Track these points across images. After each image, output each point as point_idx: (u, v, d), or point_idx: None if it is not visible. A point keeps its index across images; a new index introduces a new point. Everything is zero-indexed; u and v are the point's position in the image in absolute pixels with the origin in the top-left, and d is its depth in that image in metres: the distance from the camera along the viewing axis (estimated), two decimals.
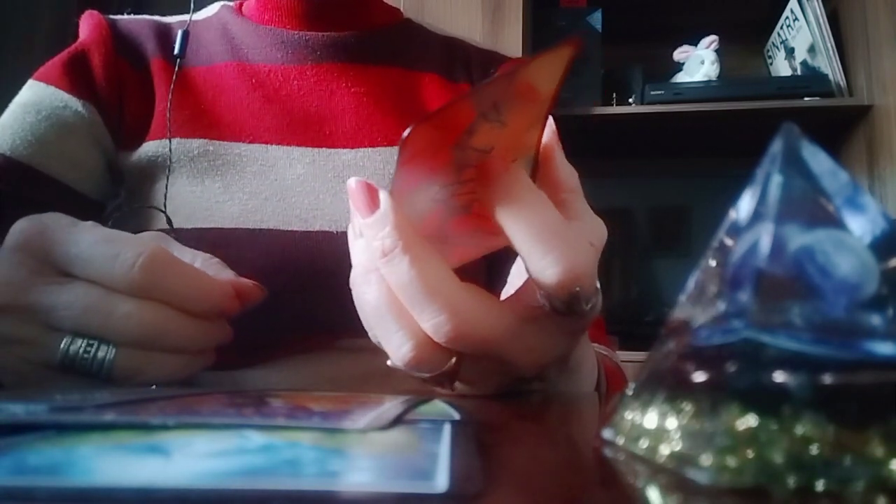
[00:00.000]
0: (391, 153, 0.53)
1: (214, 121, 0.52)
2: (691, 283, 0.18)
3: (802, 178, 0.16)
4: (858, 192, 0.16)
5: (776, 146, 0.16)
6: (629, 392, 0.18)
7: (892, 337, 0.14)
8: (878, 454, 0.13)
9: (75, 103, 0.51)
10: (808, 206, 0.16)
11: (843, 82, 1.45)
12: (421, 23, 0.64)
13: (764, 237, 0.15)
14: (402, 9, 0.66)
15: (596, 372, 0.39)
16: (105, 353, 0.29)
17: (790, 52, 1.57)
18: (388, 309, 0.27)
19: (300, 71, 0.55)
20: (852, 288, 0.15)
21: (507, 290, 0.34)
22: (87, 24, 0.56)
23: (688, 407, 0.15)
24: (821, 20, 1.45)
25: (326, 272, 0.48)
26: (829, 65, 1.45)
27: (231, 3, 0.61)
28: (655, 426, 0.16)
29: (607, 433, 0.18)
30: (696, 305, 0.17)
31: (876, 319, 0.14)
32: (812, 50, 1.49)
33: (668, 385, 0.16)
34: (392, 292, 0.26)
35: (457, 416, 0.21)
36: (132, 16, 0.59)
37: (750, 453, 0.13)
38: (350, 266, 0.29)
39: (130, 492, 0.12)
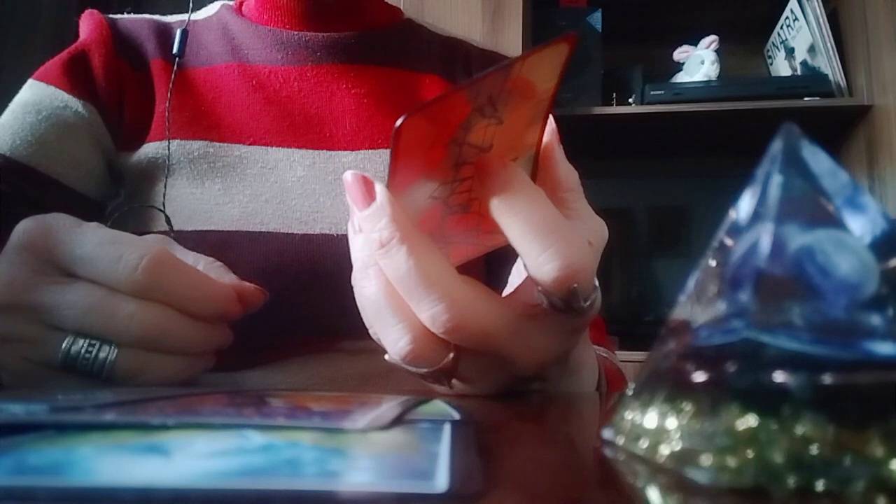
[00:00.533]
0: None
1: (215, 122, 0.52)
2: (691, 283, 0.18)
3: (802, 178, 0.16)
4: (858, 192, 0.16)
5: (776, 146, 0.16)
6: (629, 392, 0.18)
7: (892, 337, 0.14)
8: (878, 454, 0.13)
9: (75, 103, 0.51)
10: (808, 206, 0.16)
11: (843, 82, 1.45)
12: (422, 22, 0.64)
13: (764, 237, 0.15)
14: (402, 9, 0.65)
15: (597, 373, 0.39)
16: (107, 353, 0.29)
17: (790, 52, 1.57)
18: (387, 302, 0.27)
19: (300, 72, 0.55)
20: (852, 288, 0.15)
21: (507, 291, 0.34)
22: (88, 24, 0.56)
23: (688, 407, 0.15)
24: (821, 20, 1.45)
25: (326, 275, 0.48)
26: (829, 65, 1.45)
27: (231, 3, 0.61)
28: (655, 426, 0.16)
29: (607, 433, 0.18)
30: (696, 305, 0.17)
31: (876, 319, 0.14)
32: (812, 50, 1.49)
33: (668, 385, 0.16)
34: (390, 286, 0.26)
35: (457, 416, 0.21)
36: (132, 15, 0.59)
37: (750, 453, 0.13)
38: (350, 268, 0.29)
39: (130, 492, 0.12)
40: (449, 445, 0.16)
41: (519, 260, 0.27)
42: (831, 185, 0.16)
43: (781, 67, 1.62)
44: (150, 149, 0.51)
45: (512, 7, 1.44)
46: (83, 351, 0.29)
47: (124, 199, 0.53)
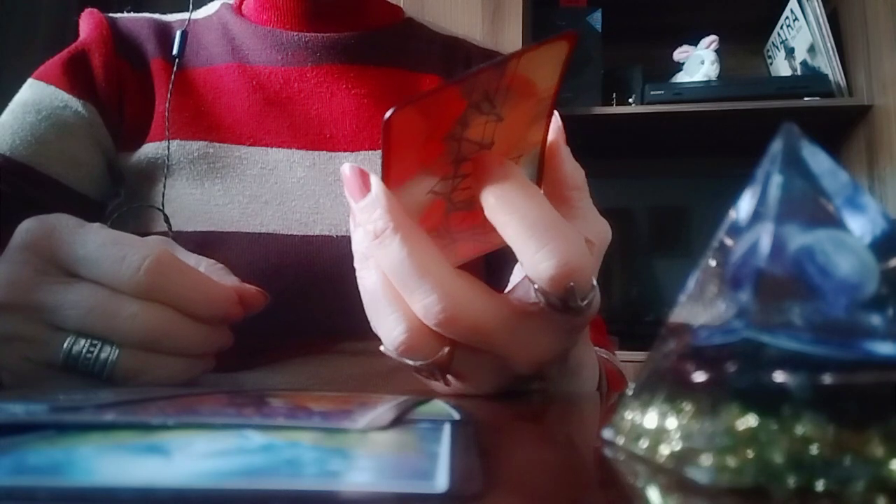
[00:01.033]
0: None
1: (215, 123, 0.52)
2: (691, 283, 0.18)
3: (802, 178, 0.16)
4: (858, 192, 0.16)
5: (776, 146, 0.16)
6: (629, 392, 0.18)
7: (892, 337, 0.14)
8: (878, 454, 0.13)
9: (75, 103, 0.51)
10: (808, 206, 0.16)
11: (843, 82, 1.45)
12: (423, 22, 0.64)
13: (764, 237, 0.15)
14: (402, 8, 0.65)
15: (597, 374, 0.39)
16: (108, 353, 0.29)
17: (790, 52, 1.57)
18: (383, 293, 0.27)
19: (300, 73, 0.55)
20: (852, 288, 0.15)
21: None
22: (88, 23, 0.56)
23: (688, 407, 0.15)
24: (821, 20, 1.45)
25: (326, 276, 0.48)
26: (829, 65, 1.45)
27: (231, 2, 0.61)
28: (655, 426, 0.16)
29: (607, 433, 0.18)
30: (696, 305, 0.17)
31: (876, 319, 0.14)
32: (812, 50, 1.49)
33: (668, 385, 0.16)
34: (386, 277, 0.26)
35: (457, 416, 0.21)
36: (132, 14, 0.59)
37: (750, 453, 0.13)
38: (350, 269, 0.29)
39: (130, 492, 0.12)
40: (449, 445, 0.16)
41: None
42: (831, 185, 0.16)
43: (781, 67, 1.62)
44: (149, 149, 0.51)
45: (512, 7, 1.44)
46: (84, 351, 0.29)
47: (124, 199, 0.53)
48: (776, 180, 0.15)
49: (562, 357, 0.31)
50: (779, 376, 0.14)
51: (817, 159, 0.16)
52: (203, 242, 0.47)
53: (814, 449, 0.13)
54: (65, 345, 0.29)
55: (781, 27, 1.59)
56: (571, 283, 0.25)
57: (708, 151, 1.74)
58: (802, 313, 0.14)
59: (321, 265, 0.48)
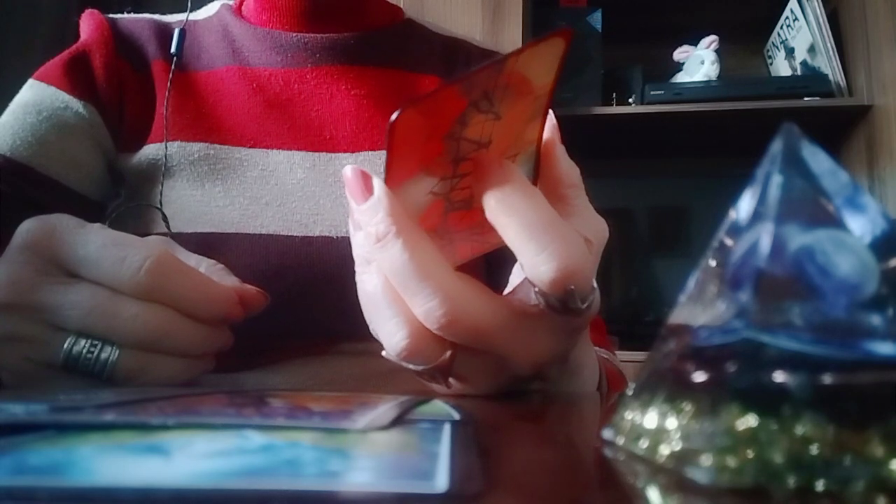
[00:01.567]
0: None
1: (215, 125, 0.52)
2: (691, 283, 0.18)
3: (802, 178, 0.16)
4: (858, 192, 0.16)
5: (776, 146, 0.16)
6: (629, 392, 0.18)
7: (892, 337, 0.14)
8: (878, 454, 0.13)
9: (76, 104, 0.51)
10: (808, 206, 0.16)
11: (843, 82, 1.45)
12: (422, 22, 0.64)
13: (764, 237, 0.15)
14: (402, 8, 0.65)
15: (597, 374, 0.39)
16: (108, 354, 0.29)
17: (790, 52, 1.57)
18: (384, 298, 0.27)
19: (300, 74, 0.55)
20: (852, 288, 0.15)
21: (507, 292, 0.34)
22: (88, 24, 0.56)
23: (688, 407, 0.15)
24: (821, 20, 1.45)
25: (326, 277, 0.48)
26: (829, 65, 1.45)
27: (230, 2, 0.61)
28: (655, 426, 0.16)
29: (607, 433, 0.18)
30: (696, 305, 0.17)
31: (876, 319, 0.14)
32: (812, 50, 1.49)
33: (668, 385, 0.16)
34: (388, 281, 0.26)
35: (457, 416, 0.21)
36: (132, 15, 0.59)
37: (750, 453, 0.13)
38: (350, 270, 0.29)
39: (130, 492, 0.12)
40: (449, 445, 0.16)
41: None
42: (831, 185, 0.16)
43: (781, 67, 1.62)
44: (150, 150, 0.51)
45: (512, 7, 1.44)
46: (85, 351, 0.29)
47: (124, 200, 0.53)
48: (776, 180, 0.15)
49: (562, 358, 0.31)
50: (779, 376, 0.14)
51: (817, 159, 0.16)
52: (203, 244, 0.47)
53: (814, 449, 0.13)
54: (65, 345, 0.29)
55: (781, 27, 1.59)
56: (572, 286, 0.26)
57: (708, 151, 1.74)
58: (802, 313, 0.14)
59: (321, 266, 0.48)
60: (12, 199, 0.48)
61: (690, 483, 0.14)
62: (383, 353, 0.28)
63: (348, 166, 0.27)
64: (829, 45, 1.45)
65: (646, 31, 1.73)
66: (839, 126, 1.53)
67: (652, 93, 1.50)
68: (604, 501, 0.14)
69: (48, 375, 0.30)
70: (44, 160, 0.49)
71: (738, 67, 1.72)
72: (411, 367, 0.28)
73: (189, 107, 0.53)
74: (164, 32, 0.57)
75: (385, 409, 0.20)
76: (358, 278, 0.28)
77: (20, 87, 0.53)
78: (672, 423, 0.15)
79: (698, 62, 1.56)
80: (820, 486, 0.13)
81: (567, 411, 0.28)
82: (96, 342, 0.29)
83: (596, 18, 1.58)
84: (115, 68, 0.53)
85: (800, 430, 0.13)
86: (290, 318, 0.47)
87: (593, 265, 0.29)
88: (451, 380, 0.29)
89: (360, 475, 0.14)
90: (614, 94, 1.55)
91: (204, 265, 0.35)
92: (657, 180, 1.73)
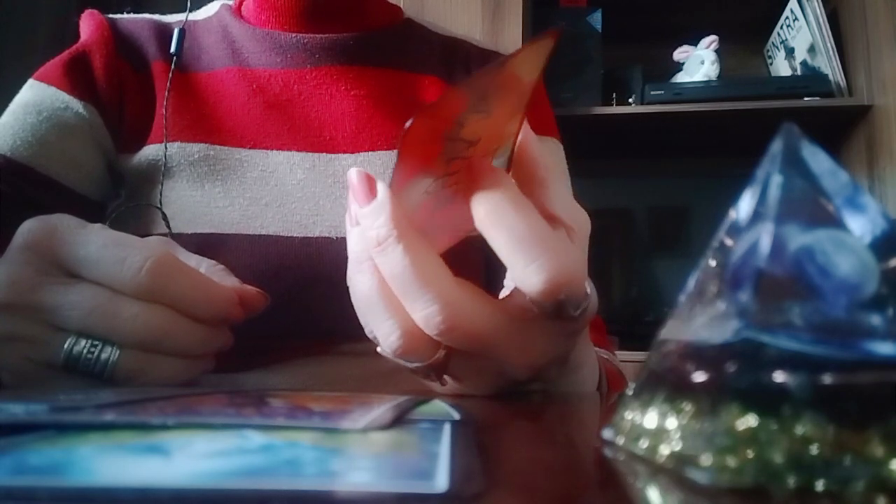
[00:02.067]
0: (391, 157, 0.53)
1: (216, 126, 0.52)
2: (691, 283, 0.18)
3: (802, 178, 0.16)
4: (858, 192, 0.16)
5: (776, 146, 0.16)
6: (629, 392, 0.18)
7: (892, 337, 0.14)
8: (878, 454, 0.13)
9: (76, 105, 0.51)
10: (808, 206, 0.16)
11: (843, 82, 1.45)
12: (422, 22, 0.64)
13: (764, 237, 0.15)
14: (401, 8, 0.65)
15: (597, 373, 0.39)
16: (109, 354, 0.29)
17: (790, 52, 1.57)
18: (380, 298, 0.27)
19: (300, 75, 0.55)
20: (852, 288, 0.15)
21: (504, 293, 0.34)
22: (88, 24, 0.56)
23: (688, 407, 0.15)
24: (821, 20, 1.45)
25: (326, 278, 0.48)
26: (829, 65, 1.45)
27: (230, 2, 0.61)
28: (655, 426, 0.16)
29: (607, 433, 0.18)
30: (696, 305, 0.17)
31: (876, 319, 0.14)
32: (812, 50, 1.49)
33: (668, 385, 0.16)
34: (384, 282, 0.26)
35: (457, 416, 0.21)
36: (132, 15, 0.59)
37: (750, 453, 0.13)
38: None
39: (130, 492, 0.12)
40: (449, 445, 0.16)
41: None
42: (831, 185, 0.16)
43: (781, 67, 1.62)
44: (150, 151, 0.51)
45: (512, 7, 1.44)
46: (85, 352, 0.29)
47: (124, 200, 0.53)
48: (776, 180, 0.15)
49: (561, 360, 0.31)
50: (779, 376, 0.14)
51: (817, 159, 0.16)
52: (203, 244, 0.47)
53: (814, 449, 0.13)
54: (65, 345, 0.29)
55: (781, 27, 1.59)
56: (563, 296, 0.26)
57: (708, 151, 1.74)
58: (802, 313, 0.14)
59: (321, 267, 0.48)
60: (12, 199, 0.48)
61: (690, 483, 0.14)
62: (378, 349, 0.28)
63: (353, 169, 0.27)
64: (829, 45, 1.45)
65: (646, 31, 1.73)
66: (839, 126, 1.53)
67: (652, 93, 1.50)
68: (604, 501, 0.14)
69: (48, 375, 0.30)
70: (44, 160, 0.49)
71: (738, 67, 1.72)
72: (406, 364, 0.28)
73: (189, 108, 0.53)
74: (163, 33, 0.57)
75: (385, 409, 0.20)
76: (351, 276, 0.28)
77: (20, 87, 0.53)
78: (672, 423, 0.15)
79: (698, 62, 1.56)
80: (820, 486, 0.13)
81: (567, 411, 0.28)
82: (97, 342, 0.29)
83: (596, 18, 1.58)
84: (115, 68, 0.53)
85: (800, 430, 0.13)
86: (290, 319, 0.47)
87: (581, 258, 0.28)
88: (450, 380, 0.29)
89: (360, 475, 0.14)
90: (614, 94, 1.55)
91: (204, 265, 0.35)
92: (657, 180, 1.73)
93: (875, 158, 1.42)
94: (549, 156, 0.31)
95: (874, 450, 0.13)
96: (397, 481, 0.13)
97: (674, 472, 0.14)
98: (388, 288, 0.26)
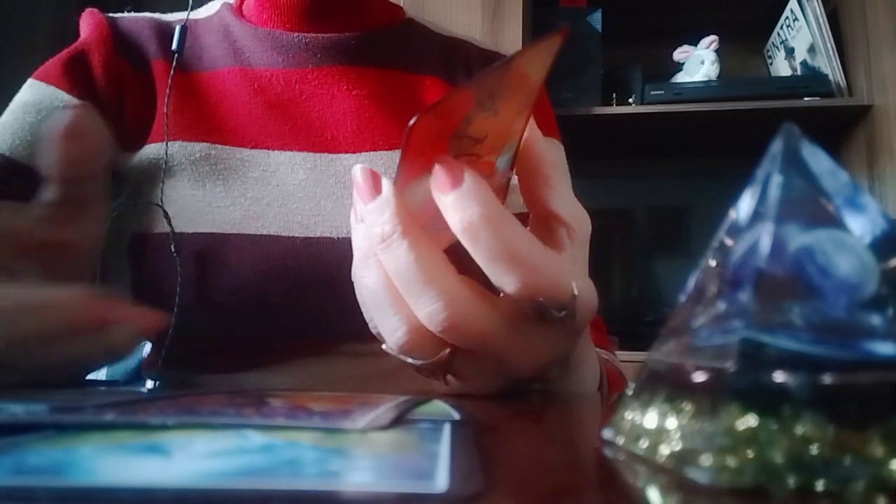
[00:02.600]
0: (392, 157, 0.53)
1: (217, 126, 0.52)
2: (691, 283, 0.18)
3: (802, 178, 0.16)
4: (858, 192, 0.16)
5: (776, 146, 0.16)
6: (629, 392, 0.18)
7: (892, 337, 0.14)
8: (878, 454, 0.13)
9: (75, 104, 0.51)
10: (808, 206, 0.16)
11: (843, 82, 1.45)
12: (423, 22, 0.64)
13: (764, 237, 0.15)
14: (403, 8, 0.65)
15: (598, 373, 0.39)
16: None
17: (790, 52, 1.57)
18: (385, 294, 0.27)
19: (301, 75, 0.55)
20: (852, 288, 0.15)
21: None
22: (88, 23, 0.56)
23: (688, 407, 0.15)
24: (821, 20, 1.45)
25: (327, 278, 0.48)
26: (828, 65, 1.45)
27: (231, 2, 0.61)
28: (655, 426, 0.16)
29: (607, 433, 0.18)
30: (696, 305, 0.17)
31: (876, 319, 0.14)
32: (812, 50, 1.49)
33: (668, 385, 0.16)
34: (388, 277, 0.27)
35: (457, 416, 0.21)
36: (132, 14, 0.58)
37: (750, 453, 0.13)
38: (351, 271, 0.29)
39: (130, 492, 0.12)
40: (449, 445, 0.16)
41: None
42: (831, 185, 0.16)
43: (781, 67, 1.62)
44: (151, 150, 0.51)
45: (512, 7, 1.44)
46: None
47: (125, 199, 0.53)
48: (776, 180, 0.15)
49: (562, 360, 0.31)
50: (779, 376, 0.14)
51: (817, 159, 0.16)
52: (204, 244, 0.47)
53: (814, 449, 0.13)
54: None
55: (781, 27, 1.59)
56: (540, 299, 0.26)
57: (708, 151, 1.74)
58: (802, 313, 0.14)
59: (322, 267, 0.48)
60: (12, 199, 0.48)
61: (690, 483, 0.14)
62: (383, 346, 0.28)
63: (357, 166, 0.27)
64: (829, 45, 1.45)
65: (646, 31, 1.73)
66: (839, 126, 1.53)
67: (652, 93, 1.50)
68: (604, 501, 0.14)
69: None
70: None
71: (738, 67, 1.72)
72: (410, 361, 0.28)
73: (190, 107, 0.53)
74: (164, 31, 0.57)
75: (385, 409, 0.20)
76: (356, 273, 0.28)
77: (20, 86, 0.53)
78: (672, 423, 0.15)
79: (698, 62, 1.56)
80: (820, 486, 0.13)
81: (567, 411, 0.28)
82: None
83: (596, 18, 1.58)
84: (114, 67, 0.53)
85: (800, 430, 0.13)
86: (291, 319, 0.47)
87: (568, 260, 0.29)
88: (452, 379, 0.29)
89: (360, 475, 0.14)
90: (614, 94, 1.55)
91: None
92: (657, 180, 1.73)
93: (875, 158, 1.42)
94: (549, 148, 0.31)
95: (874, 450, 0.13)
96: (397, 481, 0.13)
97: (674, 472, 0.14)
98: (393, 285, 0.27)
